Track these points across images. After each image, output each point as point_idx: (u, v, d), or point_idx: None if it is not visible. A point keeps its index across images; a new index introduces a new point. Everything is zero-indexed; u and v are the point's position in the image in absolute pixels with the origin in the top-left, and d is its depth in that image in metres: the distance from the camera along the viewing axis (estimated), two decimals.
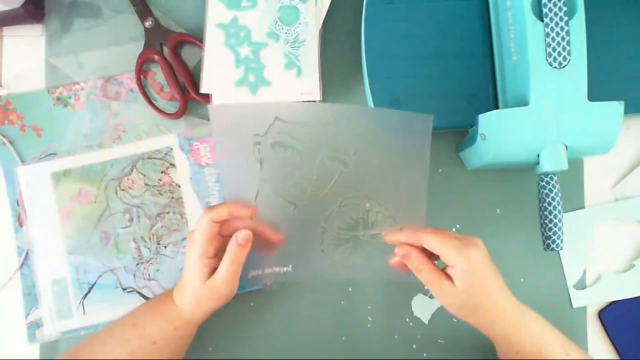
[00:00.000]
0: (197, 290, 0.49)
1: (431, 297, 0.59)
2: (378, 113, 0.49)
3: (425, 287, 0.52)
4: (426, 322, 0.59)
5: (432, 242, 0.47)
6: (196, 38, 0.60)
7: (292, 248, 0.51)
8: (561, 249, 0.49)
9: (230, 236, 0.49)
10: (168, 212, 0.59)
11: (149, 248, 0.59)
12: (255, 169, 0.48)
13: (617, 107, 0.47)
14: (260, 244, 0.50)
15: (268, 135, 0.47)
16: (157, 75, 0.61)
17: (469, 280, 0.46)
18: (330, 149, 0.48)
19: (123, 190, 0.60)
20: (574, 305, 0.59)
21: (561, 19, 0.47)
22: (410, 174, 0.49)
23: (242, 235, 0.48)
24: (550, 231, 0.49)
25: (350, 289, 0.59)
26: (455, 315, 0.48)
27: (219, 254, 0.50)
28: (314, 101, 0.58)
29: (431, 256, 0.48)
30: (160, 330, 0.50)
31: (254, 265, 0.51)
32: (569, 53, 0.47)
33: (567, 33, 0.47)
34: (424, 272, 0.47)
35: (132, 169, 0.60)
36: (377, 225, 0.50)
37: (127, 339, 0.50)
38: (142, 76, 0.61)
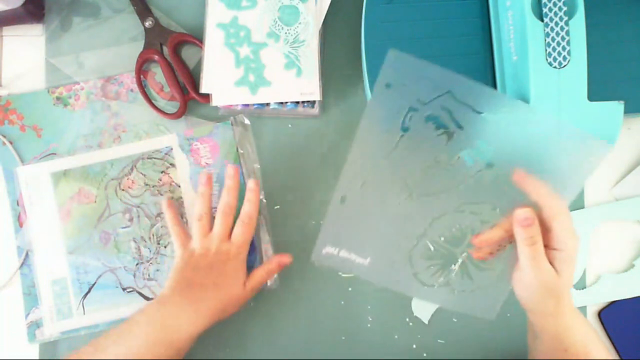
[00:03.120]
0: (237, 295, 0.53)
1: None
2: (551, 122, 0.43)
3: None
4: (426, 322, 0.58)
5: (560, 219, 0.43)
6: (196, 38, 0.60)
7: (380, 241, 0.46)
8: None
9: None
10: None
11: (149, 248, 0.59)
12: (395, 136, 0.43)
13: (617, 107, 0.47)
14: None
15: (429, 105, 0.43)
16: (157, 75, 0.61)
17: (568, 266, 0.44)
18: (483, 142, 0.43)
19: (123, 190, 0.60)
20: (574, 305, 0.59)
21: (561, 18, 0.47)
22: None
23: (285, 260, 0.55)
24: None
25: (350, 289, 0.59)
26: (526, 295, 0.45)
27: None
28: (314, 102, 0.58)
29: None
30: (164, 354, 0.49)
31: (332, 241, 0.46)
32: (569, 53, 0.47)
33: (567, 33, 0.47)
34: (537, 246, 0.43)
35: (132, 169, 0.60)
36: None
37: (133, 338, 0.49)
38: (142, 76, 0.61)
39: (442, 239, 0.46)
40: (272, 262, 0.55)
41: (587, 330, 0.47)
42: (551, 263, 0.44)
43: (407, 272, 0.47)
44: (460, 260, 0.46)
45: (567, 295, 0.46)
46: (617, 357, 0.58)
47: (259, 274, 0.54)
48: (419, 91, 0.42)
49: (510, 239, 0.45)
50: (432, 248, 0.47)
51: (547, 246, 0.44)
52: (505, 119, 0.42)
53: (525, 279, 0.44)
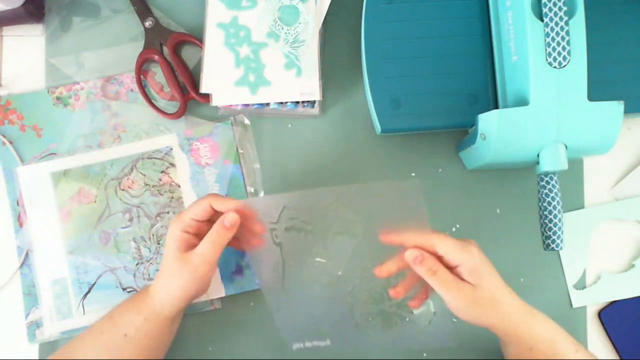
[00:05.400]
0: (170, 265, 0.48)
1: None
2: (370, 188, 0.52)
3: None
4: (427, 322, 0.58)
5: (439, 242, 0.46)
6: (196, 38, 0.60)
7: (328, 324, 0.54)
8: (561, 249, 0.49)
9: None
10: (168, 212, 0.59)
11: (149, 248, 0.59)
12: (277, 252, 0.51)
13: (617, 107, 0.47)
14: (244, 235, 0.51)
15: (280, 221, 0.50)
16: (157, 75, 0.61)
17: (479, 275, 0.46)
18: (338, 225, 0.51)
19: (123, 190, 0.60)
20: (574, 305, 0.59)
21: (561, 18, 0.47)
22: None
23: (229, 218, 0.48)
24: (550, 231, 0.49)
25: (350, 289, 0.59)
26: (468, 317, 0.47)
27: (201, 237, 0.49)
28: (314, 102, 0.58)
29: None
30: (131, 321, 0.49)
31: (295, 339, 0.54)
32: (569, 53, 0.47)
33: (567, 33, 0.47)
34: (439, 274, 0.46)
35: (132, 169, 0.60)
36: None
37: (101, 332, 0.50)
38: (142, 76, 0.61)
39: (367, 303, 0.53)
40: (215, 229, 0.48)
41: (549, 326, 0.48)
42: (464, 279, 0.46)
43: (364, 336, 0.54)
44: (391, 311, 0.53)
45: (506, 298, 0.47)
46: (617, 356, 0.58)
47: (202, 243, 0.48)
48: (267, 217, 0.50)
49: (415, 275, 0.48)
50: (366, 312, 0.53)
51: (450, 268, 0.47)
52: (339, 202, 0.50)
53: (451, 304, 0.47)
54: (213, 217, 0.50)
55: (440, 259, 0.47)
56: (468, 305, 0.46)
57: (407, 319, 0.53)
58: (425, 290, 0.51)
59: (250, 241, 0.51)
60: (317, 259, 0.52)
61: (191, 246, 0.49)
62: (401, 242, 0.48)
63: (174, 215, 0.59)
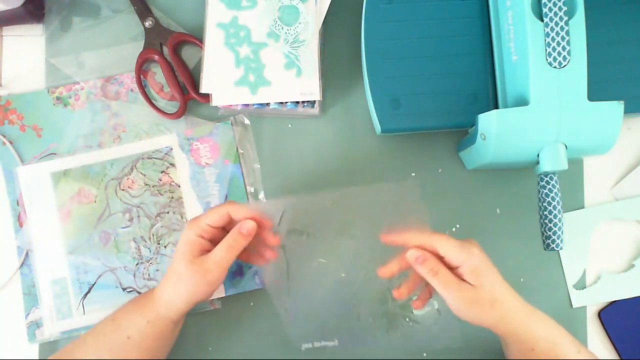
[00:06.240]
0: (182, 268, 0.48)
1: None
2: (369, 190, 0.53)
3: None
4: (431, 322, 0.58)
5: (440, 242, 0.46)
6: (196, 38, 0.60)
7: (334, 324, 0.54)
8: (561, 249, 0.49)
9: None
10: (168, 212, 0.59)
11: (149, 248, 0.59)
12: (281, 253, 0.52)
13: (617, 107, 0.47)
14: (256, 247, 0.51)
15: (282, 224, 0.51)
16: (157, 75, 0.61)
17: (479, 275, 0.46)
18: (338, 227, 0.52)
19: (123, 190, 0.60)
20: (574, 305, 0.59)
21: (561, 18, 0.47)
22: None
23: (246, 225, 0.48)
24: (550, 231, 0.49)
25: (354, 290, 0.59)
26: (469, 317, 0.47)
27: (214, 243, 0.49)
28: (314, 102, 0.58)
29: None
30: (134, 324, 0.49)
31: (302, 339, 0.54)
32: (569, 53, 0.47)
33: (567, 33, 0.47)
34: (440, 274, 0.46)
35: (132, 169, 0.60)
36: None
37: (104, 334, 0.50)
38: (142, 76, 0.61)
39: (371, 303, 0.54)
40: (231, 235, 0.49)
41: (551, 326, 0.48)
42: (465, 280, 0.46)
43: (370, 337, 0.54)
44: (395, 312, 0.54)
45: (507, 299, 0.47)
46: (617, 356, 0.58)
47: (218, 249, 0.49)
48: (270, 219, 0.50)
49: (419, 276, 0.48)
50: (371, 313, 0.54)
51: (451, 268, 0.47)
52: (339, 204, 0.51)
53: (451, 304, 0.47)
54: (228, 226, 0.50)
55: (441, 259, 0.47)
56: (468, 305, 0.46)
57: (412, 320, 0.53)
58: (428, 291, 0.51)
59: (262, 253, 0.52)
60: (320, 260, 0.52)
61: (204, 251, 0.49)
62: (402, 242, 0.48)
63: (173, 215, 0.59)
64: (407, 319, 0.53)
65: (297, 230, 0.51)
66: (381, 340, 0.54)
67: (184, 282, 0.49)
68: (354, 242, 0.52)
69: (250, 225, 0.48)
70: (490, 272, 0.47)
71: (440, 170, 0.60)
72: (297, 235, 0.52)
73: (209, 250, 0.49)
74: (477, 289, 0.46)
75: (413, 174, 0.60)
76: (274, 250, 0.52)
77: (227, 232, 0.50)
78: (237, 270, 0.58)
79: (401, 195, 0.49)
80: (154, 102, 0.60)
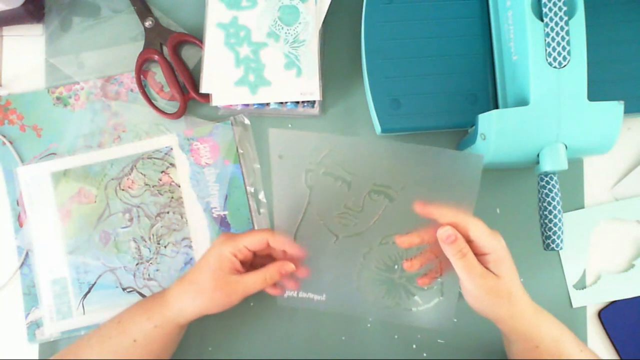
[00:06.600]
0: (206, 282, 0.49)
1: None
2: (430, 152, 0.49)
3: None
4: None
5: (474, 226, 0.46)
6: (196, 38, 0.60)
7: (329, 279, 0.53)
8: (561, 249, 0.49)
9: (263, 256, 0.52)
10: (168, 212, 0.59)
11: (149, 248, 0.59)
12: (305, 194, 0.50)
13: (617, 107, 0.47)
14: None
15: (321, 164, 0.49)
16: (157, 75, 0.61)
17: (503, 267, 0.46)
18: (378, 183, 0.49)
19: (123, 190, 0.60)
20: (574, 305, 0.59)
21: (561, 18, 0.47)
22: None
23: (287, 268, 0.50)
24: (550, 231, 0.49)
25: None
26: (482, 306, 0.47)
27: (244, 264, 0.51)
28: (314, 102, 0.58)
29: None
30: (141, 328, 0.49)
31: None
32: (569, 53, 0.47)
33: (567, 33, 0.47)
34: (468, 257, 0.45)
35: (132, 169, 0.60)
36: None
37: (109, 336, 0.50)
38: (142, 76, 0.61)
39: (377, 269, 0.52)
40: (271, 269, 0.50)
41: (555, 326, 0.48)
42: (488, 269, 0.46)
43: (360, 300, 0.53)
44: (400, 283, 0.52)
45: (520, 294, 0.47)
46: (616, 356, 0.58)
47: (255, 276, 0.50)
48: (307, 156, 0.49)
49: (434, 252, 0.48)
50: (373, 278, 0.52)
51: (477, 254, 0.46)
52: (392, 159, 0.49)
53: (470, 290, 0.46)
54: (260, 251, 0.51)
55: (469, 243, 0.46)
56: (487, 293, 0.46)
57: (411, 294, 0.52)
58: (439, 269, 0.50)
59: (286, 283, 0.52)
60: (345, 210, 0.51)
61: (233, 270, 0.50)
62: (436, 217, 0.47)
63: (173, 215, 0.59)
64: (407, 292, 0.52)
65: (333, 175, 0.49)
66: (371, 306, 0.53)
67: (205, 295, 0.49)
68: (387, 202, 0.50)
69: (290, 268, 0.50)
70: (511, 266, 0.47)
71: None
72: (332, 179, 0.49)
73: (238, 270, 0.50)
74: (500, 279, 0.45)
75: None
76: (297, 282, 0.52)
77: (257, 256, 0.51)
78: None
79: (461, 166, 0.47)
80: (154, 102, 0.60)
